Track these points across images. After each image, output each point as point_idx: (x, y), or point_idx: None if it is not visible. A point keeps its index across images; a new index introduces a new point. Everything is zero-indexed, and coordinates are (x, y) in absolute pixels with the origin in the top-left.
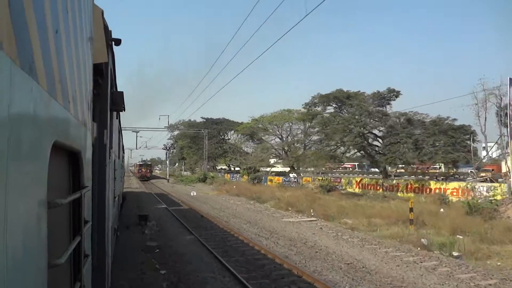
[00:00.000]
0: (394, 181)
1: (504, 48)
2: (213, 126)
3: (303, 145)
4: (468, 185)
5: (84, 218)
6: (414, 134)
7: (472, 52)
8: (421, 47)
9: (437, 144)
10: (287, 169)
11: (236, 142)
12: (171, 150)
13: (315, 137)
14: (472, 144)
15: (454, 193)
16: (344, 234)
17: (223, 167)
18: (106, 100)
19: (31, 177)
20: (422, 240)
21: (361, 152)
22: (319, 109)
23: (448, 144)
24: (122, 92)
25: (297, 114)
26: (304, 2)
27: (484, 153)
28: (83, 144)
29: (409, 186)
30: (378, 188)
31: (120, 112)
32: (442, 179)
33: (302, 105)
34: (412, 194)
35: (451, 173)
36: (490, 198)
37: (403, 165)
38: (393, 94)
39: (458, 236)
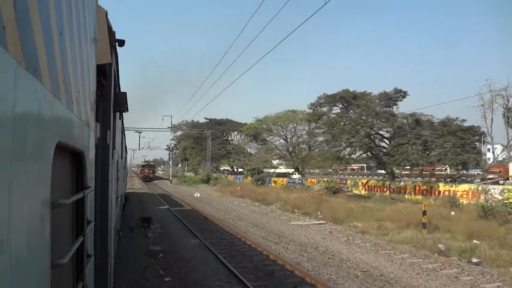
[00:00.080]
0: (402, 183)
1: (509, 49)
2: (217, 126)
3: (307, 146)
4: (479, 188)
5: (87, 218)
6: (423, 135)
7: (477, 52)
8: (426, 48)
9: (446, 146)
10: (291, 170)
11: (239, 143)
12: (174, 150)
13: (320, 138)
14: (482, 146)
15: (464, 196)
16: (355, 238)
17: (226, 168)
18: (110, 100)
19: (35, 177)
20: (439, 245)
21: (367, 153)
22: (325, 109)
23: (457, 146)
24: (125, 93)
25: (302, 114)
26: (308, 2)
27: (489, 154)
28: (86, 144)
29: (417, 188)
30: (385, 190)
31: (123, 113)
32: (449, 181)
33: (308, 105)
34: (420, 197)
35: (458, 175)
36: (505, 201)
37: (407, 167)
38: (400, 94)
39: (474, 241)
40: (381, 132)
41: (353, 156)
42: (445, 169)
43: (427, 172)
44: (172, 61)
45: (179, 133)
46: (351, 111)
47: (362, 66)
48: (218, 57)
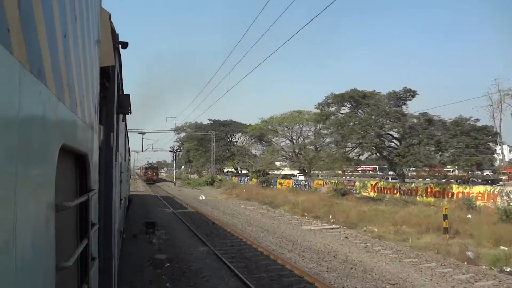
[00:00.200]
0: (413, 185)
1: None
2: (220, 128)
3: (314, 147)
4: (496, 190)
5: (91, 221)
6: (435, 135)
7: (484, 52)
8: (431, 49)
9: (460, 146)
10: (295, 171)
11: (244, 144)
12: (178, 152)
13: (328, 139)
14: (497, 146)
15: (479, 198)
16: (374, 244)
17: (230, 170)
18: (113, 103)
19: (40, 180)
20: (468, 253)
21: (377, 154)
22: (333, 109)
23: (471, 146)
24: (129, 95)
25: (308, 115)
26: (314, 2)
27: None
28: (90, 147)
29: (429, 190)
30: (395, 192)
31: (127, 115)
32: (459, 182)
33: (315, 105)
34: (432, 199)
35: (469, 177)
36: None
37: (418, 168)
38: (409, 94)
39: (501, 247)
40: (390, 133)
41: (361, 157)
42: (453, 170)
43: (435, 174)
44: (175, 61)
45: (182, 134)
46: (360, 111)
47: (366, 66)
48: (223, 57)
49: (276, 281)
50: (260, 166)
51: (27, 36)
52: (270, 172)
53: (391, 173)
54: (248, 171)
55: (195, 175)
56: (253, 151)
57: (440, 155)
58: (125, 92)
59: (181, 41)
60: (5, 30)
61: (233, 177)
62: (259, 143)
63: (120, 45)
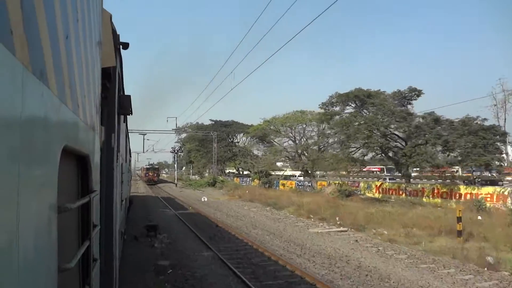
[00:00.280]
0: (419, 186)
1: None
2: (222, 128)
3: (317, 147)
4: (506, 191)
5: (92, 222)
6: (443, 135)
7: (487, 52)
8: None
9: (468, 146)
10: (297, 172)
11: (245, 145)
12: (179, 153)
13: (332, 139)
14: (507, 146)
15: (488, 199)
16: (386, 248)
17: (232, 171)
18: (114, 103)
19: (42, 181)
20: (488, 258)
21: (381, 154)
22: (337, 109)
23: (480, 146)
24: (130, 95)
25: (311, 115)
26: (315, 2)
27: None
28: (91, 148)
29: (435, 191)
30: (400, 193)
31: (128, 116)
32: (466, 183)
33: (319, 105)
34: (439, 200)
35: (474, 177)
36: None
37: (417, 168)
38: (414, 93)
39: None
40: (395, 132)
41: (366, 157)
42: (457, 171)
43: (439, 174)
44: (177, 61)
45: (183, 135)
46: (365, 110)
47: (366, 66)
48: (225, 56)
49: None
50: (263, 167)
51: (30, 37)
52: (273, 173)
53: (389, 173)
54: (250, 172)
55: (196, 176)
56: (255, 152)
57: (448, 155)
58: (126, 93)
59: (182, 41)
60: (8, 32)
61: (235, 178)
62: (261, 143)
63: (121, 46)
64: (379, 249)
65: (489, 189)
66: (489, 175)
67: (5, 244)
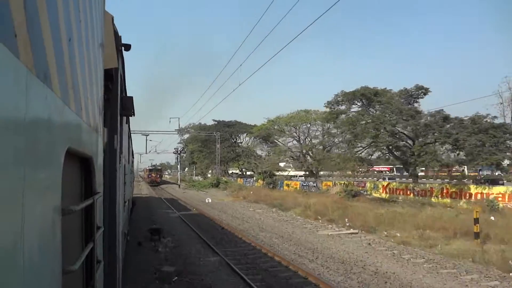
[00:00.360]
0: (427, 185)
1: None
2: (225, 129)
3: (322, 147)
4: None
5: (96, 224)
6: (452, 133)
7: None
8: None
9: (477, 144)
10: (300, 173)
11: (249, 145)
12: (182, 154)
13: (338, 138)
14: None
15: (500, 199)
16: (402, 252)
17: (235, 171)
18: (116, 105)
19: (46, 184)
20: (511, 262)
21: (388, 154)
22: (343, 107)
23: (491, 144)
24: (132, 97)
25: (316, 114)
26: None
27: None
28: (94, 150)
29: (444, 190)
30: (408, 193)
31: (130, 117)
32: (473, 182)
33: (324, 104)
34: (448, 200)
35: (482, 176)
36: None
37: (422, 168)
38: (421, 91)
39: None
40: (403, 131)
41: (372, 156)
42: (463, 170)
43: (444, 174)
44: (179, 62)
45: (186, 136)
46: (371, 109)
47: (367, 66)
48: (228, 56)
49: None
50: (267, 167)
51: (33, 40)
52: (278, 174)
53: (398, 173)
54: (254, 172)
55: (199, 177)
56: (259, 152)
57: (458, 154)
58: (128, 94)
59: (183, 41)
60: (12, 35)
61: (238, 179)
62: (264, 144)
63: (123, 48)
64: (394, 253)
65: (500, 188)
66: (496, 174)
67: (10, 246)
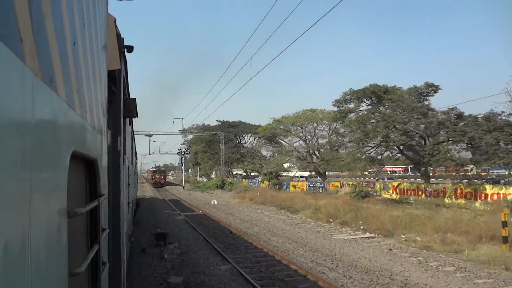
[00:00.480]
0: (440, 185)
1: None
2: (229, 129)
3: (329, 147)
4: None
5: (101, 226)
6: (467, 131)
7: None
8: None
9: (494, 142)
10: (305, 173)
11: (254, 146)
12: (185, 155)
13: (346, 138)
14: None
15: None
16: (428, 259)
17: (239, 172)
18: (119, 106)
19: (52, 187)
20: None
21: (398, 153)
22: (351, 106)
23: (507, 143)
24: (135, 98)
25: (322, 114)
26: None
27: None
28: (99, 152)
29: (458, 191)
30: (420, 193)
31: (133, 118)
32: (483, 182)
33: (332, 102)
34: (463, 201)
35: (494, 176)
36: None
37: (430, 168)
38: (431, 89)
39: None
40: (413, 129)
41: (381, 156)
42: (471, 169)
43: (453, 173)
44: (183, 61)
45: (190, 137)
46: (381, 107)
47: (366, 66)
48: (231, 56)
49: None
50: (272, 168)
51: (39, 45)
52: (284, 174)
53: (413, 173)
54: (259, 173)
55: (203, 178)
56: (264, 153)
57: (473, 153)
58: (132, 96)
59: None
60: (18, 41)
61: (243, 180)
62: (269, 144)
63: (125, 49)
64: (419, 260)
65: None
66: (507, 174)
67: (17, 249)
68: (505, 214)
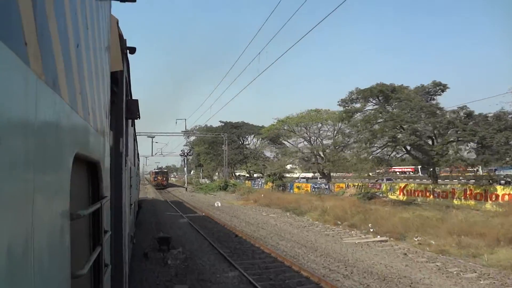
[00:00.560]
0: (448, 186)
1: None
2: (232, 130)
3: (333, 147)
4: None
5: (103, 228)
6: (478, 130)
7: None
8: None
9: (504, 141)
10: (309, 174)
11: (257, 147)
12: (188, 156)
13: (353, 138)
14: None
15: None
16: (447, 264)
17: (241, 174)
18: (122, 108)
19: (55, 189)
20: None
21: (405, 153)
22: (357, 105)
23: None
24: (137, 100)
25: (327, 114)
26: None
27: None
28: (101, 154)
29: (468, 192)
30: (428, 194)
31: (135, 120)
32: (490, 182)
33: (338, 102)
34: (473, 202)
35: (503, 176)
36: None
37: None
38: (439, 88)
39: None
40: (420, 129)
41: (388, 157)
42: (477, 170)
43: (459, 174)
44: (185, 61)
45: (192, 138)
46: (388, 106)
47: (367, 65)
48: (234, 58)
49: None
50: (276, 169)
51: (43, 48)
52: (289, 175)
53: (423, 174)
54: (262, 174)
55: (206, 180)
56: (267, 154)
57: (477, 153)
58: (134, 97)
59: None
60: (22, 44)
61: (246, 181)
62: (273, 145)
63: (128, 51)
64: (438, 265)
65: None
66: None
67: (20, 251)
68: None
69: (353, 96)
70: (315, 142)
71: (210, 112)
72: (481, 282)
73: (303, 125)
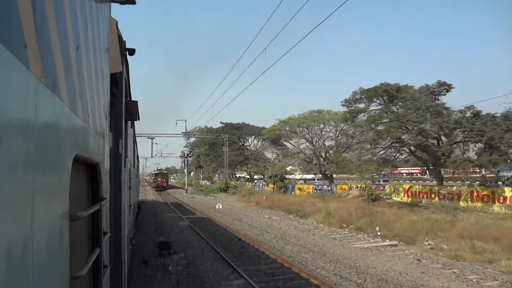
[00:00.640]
0: (454, 188)
1: None
2: (233, 131)
3: (335, 148)
4: None
5: (103, 229)
6: (486, 131)
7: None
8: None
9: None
10: (309, 176)
11: (258, 148)
12: (188, 157)
13: (357, 139)
14: None
15: None
16: (464, 271)
17: (242, 175)
18: (121, 109)
19: (55, 191)
20: None
21: (409, 155)
22: (361, 105)
23: None
24: (136, 101)
25: (329, 114)
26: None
27: None
28: (101, 155)
29: (475, 194)
30: (433, 196)
31: (135, 121)
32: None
33: (341, 102)
34: (479, 204)
35: (507, 178)
36: None
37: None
38: (443, 87)
39: None
40: (426, 129)
41: (392, 158)
42: (480, 171)
43: (461, 175)
44: (186, 61)
45: (192, 139)
46: (393, 106)
47: (366, 65)
48: (235, 58)
49: None
50: (277, 170)
51: (43, 51)
52: (291, 177)
53: (418, 175)
54: (263, 176)
55: (206, 181)
56: (268, 155)
57: (491, 154)
58: (134, 98)
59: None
60: (22, 46)
61: (246, 183)
62: (274, 146)
63: (127, 52)
64: (454, 272)
65: None
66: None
67: (19, 252)
68: None
69: (357, 96)
70: (317, 143)
71: (210, 112)
72: None
73: (305, 126)
